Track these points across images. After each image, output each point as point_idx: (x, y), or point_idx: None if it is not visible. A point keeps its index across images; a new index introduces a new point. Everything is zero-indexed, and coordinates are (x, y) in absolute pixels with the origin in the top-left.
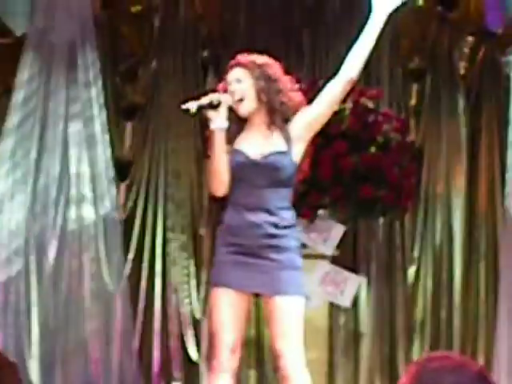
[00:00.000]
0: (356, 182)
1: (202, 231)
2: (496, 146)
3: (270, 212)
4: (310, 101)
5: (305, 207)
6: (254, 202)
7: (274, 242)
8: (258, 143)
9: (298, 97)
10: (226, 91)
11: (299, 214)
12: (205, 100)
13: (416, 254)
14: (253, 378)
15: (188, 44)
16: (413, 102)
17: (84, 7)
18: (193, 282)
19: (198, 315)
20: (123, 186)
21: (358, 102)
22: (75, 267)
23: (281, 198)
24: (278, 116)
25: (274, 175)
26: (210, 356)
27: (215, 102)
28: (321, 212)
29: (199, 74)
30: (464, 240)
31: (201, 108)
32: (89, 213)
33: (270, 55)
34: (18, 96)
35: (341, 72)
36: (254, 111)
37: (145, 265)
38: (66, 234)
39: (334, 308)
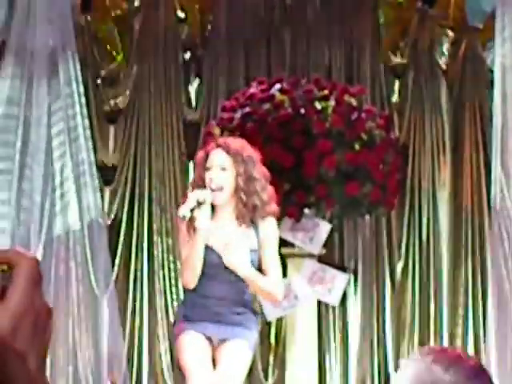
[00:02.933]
0: (341, 179)
1: None
2: (480, 139)
3: (235, 302)
4: (292, 99)
5: (291, 206)
6: (222, 294)
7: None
8: (229, 239)
9: (273, 206)
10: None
11: (285, 213)
12: (193, 202)
13: (403, 250)
14: None
15: (169, 46)
16: (395, 98)
17: (64, 12)
18: (180, 285)
19: None
20: (108, 191)
21: (341, 100)
22: (62, 273)
23: (246, 286)
24: (248, 213)
25: None
26: None
27: (201, 200)
28: (307, 211)
29: (180, 76)
30: (450, 234)
31: (193, 210)
32: (74, 218)
33: (252, 55)
34: None
35: (276, 289)
36: (227, 203)
37: (131, 269)
38: (51, 240)
39: (322, 306)
